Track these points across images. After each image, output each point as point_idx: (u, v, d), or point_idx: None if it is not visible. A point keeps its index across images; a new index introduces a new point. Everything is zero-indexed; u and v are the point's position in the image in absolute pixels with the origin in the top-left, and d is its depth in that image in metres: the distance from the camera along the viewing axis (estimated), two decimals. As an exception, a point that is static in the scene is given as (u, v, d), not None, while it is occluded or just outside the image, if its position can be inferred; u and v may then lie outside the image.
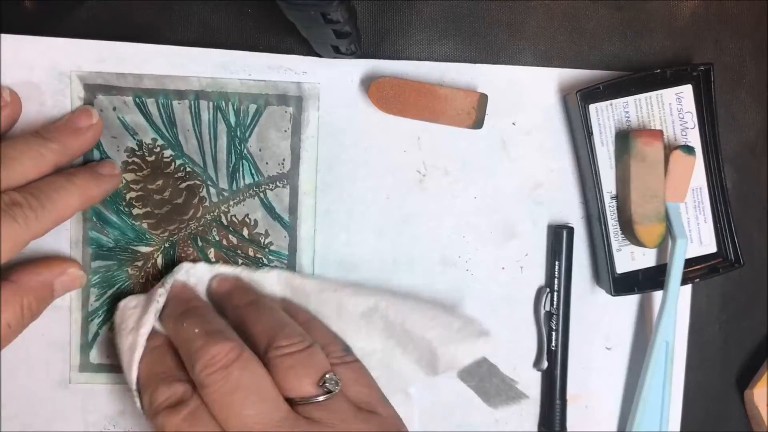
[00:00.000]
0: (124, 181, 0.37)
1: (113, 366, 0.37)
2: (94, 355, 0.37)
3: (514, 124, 0.38)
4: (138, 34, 0.36)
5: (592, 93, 0.37)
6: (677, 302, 0.37)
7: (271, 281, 0.37)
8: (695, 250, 0.39)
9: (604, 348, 0.40)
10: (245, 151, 0.37)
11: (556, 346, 0.38)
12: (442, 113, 0.36)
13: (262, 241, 0.38)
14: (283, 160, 0.37)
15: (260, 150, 0.37)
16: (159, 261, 0.37)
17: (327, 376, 0.30)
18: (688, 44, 0.39)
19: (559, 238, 0.38)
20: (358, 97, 0.37)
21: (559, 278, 0.38)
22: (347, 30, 0.31)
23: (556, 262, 0.38)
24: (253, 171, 0.37)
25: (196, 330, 0.31)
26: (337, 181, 0.38)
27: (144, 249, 0.37)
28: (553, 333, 0.38)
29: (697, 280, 0.38)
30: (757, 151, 0.40)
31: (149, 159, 0.37)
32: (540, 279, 0.39)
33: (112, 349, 0.37)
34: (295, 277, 0.37)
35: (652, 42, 0.39)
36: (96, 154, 0.36)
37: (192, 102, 0.36)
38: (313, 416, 0.29)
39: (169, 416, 0.30)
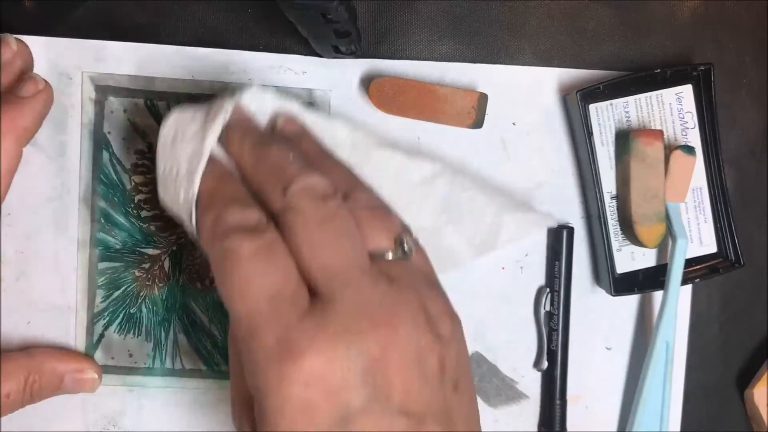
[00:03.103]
0: (133, 183, 0.37)
1: (116, 367, 0.37)
2: (99, 356, 0.37)
3: (514, 124, 0.38)
4: (138, 34, 0.36)
5: (592, 93, 0.37)
6: (677, 302, 0.37)
7: (336, 127, 0.33)
8: (695, 250, 0.39)
9: (604, 348, 0.40)
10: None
11: (556, 346, 0.38)
12: (442, 113, 0.36)
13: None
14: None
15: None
16: (166, 264, 0.37)
17: (404, 237, 0.28)
18: (688, 44, 0.39)
19: (559, 238, 0.38)
20: (358, 97, 0.37)
21: (559, 278, 0.38)
22: (347, 30, 0.32)
23: (556, 262, 0.38)
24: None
25: (291, 155, 0.28)
26: (337, 181, 0.38)
27: (151, 251, 0.37)
28: (553, 333, 0.38)
29: (698, 280, 0.38)
30: (757, 151, 0.40)
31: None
32: (540, 279, 0.39)
33: (116, 350, 0.37)
34: (359, 128, 0.34)
35: (652, 42, 0.39)
36: (105, 156, 0.36)
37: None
38: (390, 273, 0.27)
39: (244, 240, 0.25)
